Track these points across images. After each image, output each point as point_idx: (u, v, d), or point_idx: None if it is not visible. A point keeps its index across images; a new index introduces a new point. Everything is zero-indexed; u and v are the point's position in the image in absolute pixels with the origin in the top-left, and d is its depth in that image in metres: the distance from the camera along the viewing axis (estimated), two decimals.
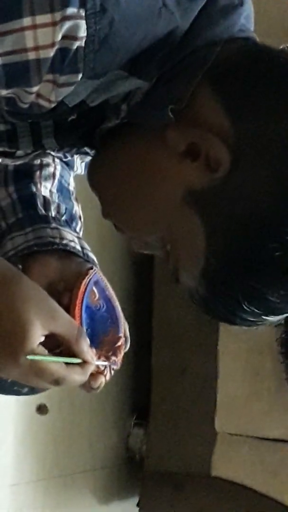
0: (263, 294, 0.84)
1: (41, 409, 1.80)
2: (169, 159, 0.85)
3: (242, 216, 0.82)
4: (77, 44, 0.76)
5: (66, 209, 1.11)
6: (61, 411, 1.88)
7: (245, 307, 0.84)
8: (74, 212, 1.14)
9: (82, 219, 1.15)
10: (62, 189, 1.15)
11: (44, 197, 1.10)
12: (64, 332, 0.89)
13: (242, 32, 0.88)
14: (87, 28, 0.75)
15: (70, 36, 0.76)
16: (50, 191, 1.12)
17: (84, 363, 0.90)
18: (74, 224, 1.11)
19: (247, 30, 0.89)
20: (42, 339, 0.87)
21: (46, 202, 1.09)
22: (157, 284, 2.08)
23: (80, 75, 0.79)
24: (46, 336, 0.88)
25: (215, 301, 0.87)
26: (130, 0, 0.78)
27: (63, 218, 1.09)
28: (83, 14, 0.74)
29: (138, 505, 2.01)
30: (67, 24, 0.75)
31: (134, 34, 0.80)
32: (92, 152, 1.00)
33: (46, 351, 0.87)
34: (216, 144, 0.80)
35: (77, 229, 1.12)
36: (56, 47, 0.77)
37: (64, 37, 0.76)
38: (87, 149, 1.00)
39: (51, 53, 0.76)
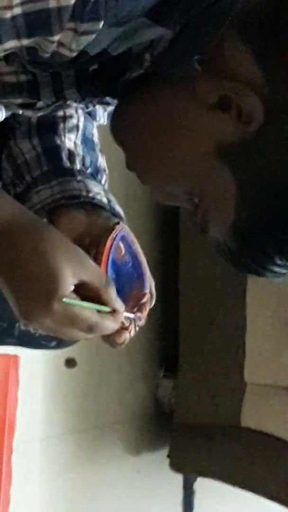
0: None
1: (70, 363, 1.80)
2: (198, 111, 0.82)
3: (275, 170, 0.79)
4: None
5: (91, 161, 1.10)
6: (89, 365, 1.88)
7: (276, 260, 0.82)
8: (99, 164, 1.12)
9: (107, 171, 1.13)
10: (86, 141, 1.13)
11: (68, 149, 1.09)
12: (93, 280, 0.88)
13: None
14: None
15: None
16: (75, 143, 1.10)
17: (114, 311, 0.89)
18: (99, 177, 1.09)
19: None
20: (72, 287, 0.86)
21: (71, 155, 1.08)
22: (183, 234, 2.04)
23: (102, 23, 0.77)
24: (75, 287, 0.88)
25: (245, 255, 0.85)
26: None
27: (88, 170, 1.08)
28: None
29: (168, 456, 1.98)
30: None
31: None
32: (114, 102, 0.96)
33: (79, 298, 0.87)
34: (249, 96, 0.78)
35: (102, 182, 1.10)
36: None
37: None
38: (109, 100, 0.96)
39: (70, 1, 0.74)
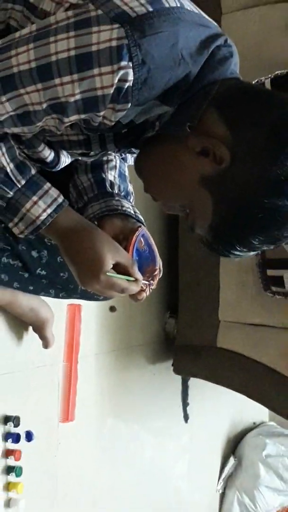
0: (249, 240, 0.95)
1: (112, 308, 1.95)
2: (189, 156, 0.95)
3: (236, 192, 0.92)
4: (127, 84, 0.86)
5: (124, 188, 1.23)
6: (124, 310, 2.01)
7: (237, 248, 0.96)
8: (128, 189, 1.25)
9: (133, 194, 1.27)
10: (121, 175, 1.26)
11: (110, 180, 1.22)
12: (124, 261, 1.04)
13: (232, 74, 0.98)
14: (133, 74, 0.85)
15: (123, 80, 0.86)
16: (114, 176, 1.23)
17: (136, 280, 1.05)
18: (129, 197, 1.23)
19: (235, 72, 0.99)
20: (111, 265, 1.03)
21: (112, 184, 1.21)
22: (182, 228, 2.14)
23: (130, 104, 0.88)
24: (113, 266, 1.04)
25: (217, 244, 0.98)
26: (161, 55, 0.87)
27: (122, 193, 1.21)
28: (131, 65, 0.85)
29: (172, 364, 2.17)
30: (121, 72, 0.85)
31: (163, 77, 0.88)
32: (137, 151, 1.09)
33: (115, 272, 1.03)
34: (221, 147, 0.91)
35: (131, 200, 1.23)
36: (114, 86, 0.86)
37: (119, 80, 0.86)
38: (134, 150, 1.10)
39: (111, 90, 0.86)
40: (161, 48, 0.86)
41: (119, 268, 1.04)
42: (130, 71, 0.85)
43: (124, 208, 1.15)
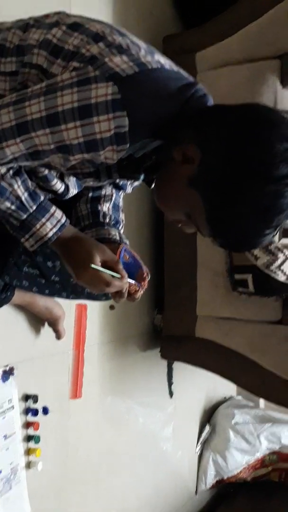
0: (241, 221, 0.89)
1: (111, 307, 1.65)
2: (177, 168, 0.94)
3: (213, 180, 0.89)
4: (124, 129, 0.87)
5: (114, 217, 1.21)
6: (122, 308, 1.82)
7: (234, 234, 0.91)
8: (119, 219, 1.23)
9: (123, 222, 1.25)
10: (115, 206, 1.24)
11: (104, 212, 1.21)
12: (110, 259, 1.03)
13: (206, 107, 0.96)
14: (128, 121, 0.86)
15: (120, 126, 0.86)
16: (108, 208, 1.22)
17: (121, 277, 1.02)
18: (118, 225, 1.21)
19: (208, 106, 0.97)
20: (99, 263, 1.00)
21: (104, 215, 1.20)
22: (167, 241, 2.09)
23: (128, 145, 0.89)
24: (101, 264, 1.01)
25: (219, 236, 0.94)
26: (148, 103, 0.88)
27: (112, 222, 1.20)
28: (125, 113, 0.85)
29: (160, 351, 2.14)
30: (117, 120, 0.86)
31: (152, 119, 0.89)
32: (140, 178, 1.07)
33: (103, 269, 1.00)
34: (192, 147, 0.91)
35: (120, 228, 1.21)
36: (112, 132, 0.87)
37: (116, 127, 0.86)
38: (136, 178, 1.08)
39: (108, 135, 0.87)
40: (146, 98, 0.87)
41: (106, 266, 1.02)
42: (125, 119, 0.85)
43: (110, 236, 1.15)
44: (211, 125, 0.89)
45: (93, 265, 0.98)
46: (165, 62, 0.96)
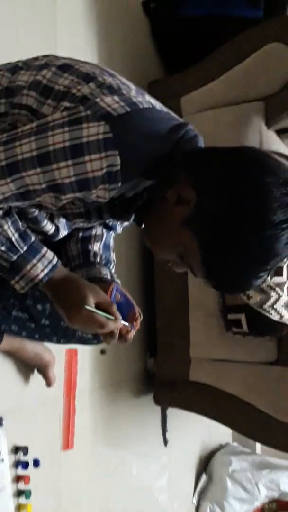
0: (234, 262, 0.89)
1: (102, 352, 1.90)
2: (170, 209, 0.93)
3: (208, 221, 0.89)
4: (115, 168, 0.87)
5: (105, 257, 1.22)
6: (113, 353, 1.97)
7: (229, 276, 0.91)
8: (110, 258, 1.24)
9: (114, 261, 1.25)
10: (105, 246, 1.25)
11: (94, 251, 1.21)
12: (104, 301, 1.02)
13: (198, 149, 0.97)
14: (120, 160, 0.86)
15: (112, 165, 0.86)
16: (98, 248, 1.23)
17: (116, 319, 1.02)
18: (109, 265, 1.22)
19: (200, 147, 0.98)
20: (93, 303, 1.00)
21: (95, 254, 1.21)
22: (158, 284, 2.10)
23: (120, 184, 0.89)
24: (94, 306, 1.00)
25: (214, 278, 0.93)
26: (139, 143, 0.88)
27: (103, 262, 1.21)
28: (117, 153, 0.85)
29: (153, 397, 2.12)
30: (109, 159, 0.86)
31: (143, 159, 0.90)
32: (131, 219, 1.06)
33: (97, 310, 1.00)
34: (187, 189, 0.91)
35: (111, 267, 1.21)
36: (104, 171, 0.86)
37: (108, 166, 0.86)
38: (126, 219, 1.07)
39: (100, 173, 0.87)
40: (138, 138, 0.88)
41: (100, 308, 1.02)
42: (117, 158, 0.85)
43: (101, 275, 1.15)
44: (206, 168, 0.90)
45: (87, 306, 0.98)
46: (155, 103, 0.97)
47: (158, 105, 0.97)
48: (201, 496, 2.53)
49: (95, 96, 0.90)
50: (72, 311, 1.01)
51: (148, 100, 0.95)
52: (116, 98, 0.90)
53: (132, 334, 1.08)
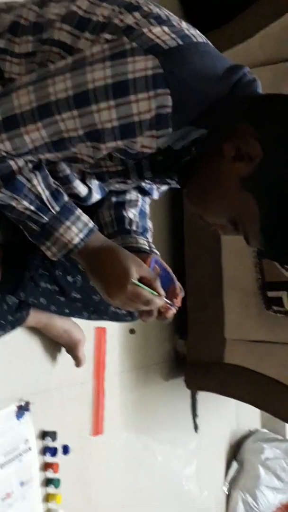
0: None
1: (132, 331, 1.83)
2: (227, 165, 0.84)
3: (275, 183, 0.81)
4: (167, 110, 0.78)
5: (141, 225, 1.16)
6: (142, 333, 1.90)
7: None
8: (146, 226, 1.18)
9: (151, 229, 1.19)
10: (141, 213, 1.18)
11: (130, 218, 1.15)
12: (147, 275, 0.95)
13: (257, 93, 0.89)
14: (172, 101, 0.77)
15: (162, 106, 0.78)
16: (134, 214, 1.16)
17: (159, 295, 0.95)
18: (146, 233, 1.15)
19: (261, 93, 0.90)
20: (137, 277, 0.93)
21: (130, 221, 1.15)
22: (188, 258, 2.02)
23: (170, 129, 0.81)
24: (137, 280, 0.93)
25: (275, 248, 0.86)
26: (193, 82, 0.79)
27: (140, 230, 1.15)
28: (168, 92, 0.77)
29: (184, 380, 2.04)
30: (159, 99, 0.77)
31: (198, 101, 0.82)
32: (172, 182, 1.00)
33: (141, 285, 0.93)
34: (252, 142, 0.82)
35: (148, 236, 1.15)
36: (154, 113, 0.78)
37: (158, 107, 0.78)
38: (168, 181, 1.00)
39: (148, 116, 0.78)
40: (193, 76, 0.79)
41: (143, 282, 0.94)
42: (169, 97, 0.77)
43: (138, 245, 1.08)
44: (275, 119, 0.82)
45: (134, 281, 0.91)
46: (207, 40, 0.88)
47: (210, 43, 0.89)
48: (232, 485, 2.46)
49: (142, 27, 0.81)
50: (113, 286, 0.93)
51: (200, 35, 0.87)
52: (166, 29, 0.81)
53: (173, 312, 1.01)
